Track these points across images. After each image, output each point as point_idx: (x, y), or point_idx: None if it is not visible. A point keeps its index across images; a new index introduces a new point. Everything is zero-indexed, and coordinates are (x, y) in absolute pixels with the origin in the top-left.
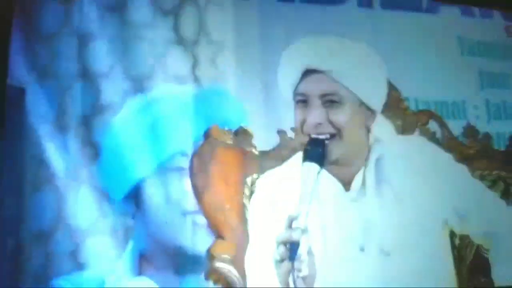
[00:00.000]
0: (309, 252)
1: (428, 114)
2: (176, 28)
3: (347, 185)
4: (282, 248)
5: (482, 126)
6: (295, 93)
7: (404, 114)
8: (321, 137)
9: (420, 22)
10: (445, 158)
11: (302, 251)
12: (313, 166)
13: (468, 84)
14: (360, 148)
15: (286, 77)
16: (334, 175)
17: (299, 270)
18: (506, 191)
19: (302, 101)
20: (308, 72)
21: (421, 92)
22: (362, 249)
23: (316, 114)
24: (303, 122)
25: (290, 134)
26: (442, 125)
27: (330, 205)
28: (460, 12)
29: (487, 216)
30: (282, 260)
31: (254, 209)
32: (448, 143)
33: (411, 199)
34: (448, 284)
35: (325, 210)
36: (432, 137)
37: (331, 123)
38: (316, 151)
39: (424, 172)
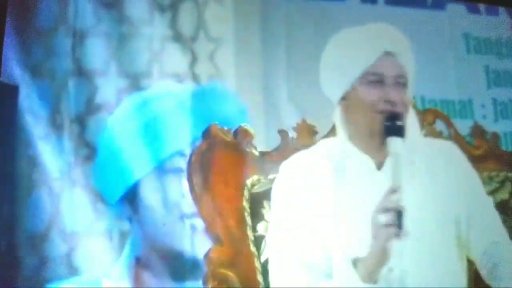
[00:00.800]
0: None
1: (434, 113)
2: (174, 25)
3: (379, 164)
4: (390, 214)
5: (489, 125)
6: (368, 73)
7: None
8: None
9: (425, 19)
10: (471, 172)
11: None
12: (398, 140)
13: (474, 82)
14: None
15: (361, 57)
16: (368, 154)
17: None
18: None
19: (377, 81)
20: (385, 54)
21: (428, 91)
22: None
23: (395, 93)
24: (377, 100)
25: (292, 133)
26: (449, 124)
27: (359, 180)
28: (466, 9)
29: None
30: (388, 225)
31: (283, 193)
32: (455, 143)
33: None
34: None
35: (353, 185)
36: (438, 136)
37: (403, 103)
38: (396, 125)
39: (448, 181)
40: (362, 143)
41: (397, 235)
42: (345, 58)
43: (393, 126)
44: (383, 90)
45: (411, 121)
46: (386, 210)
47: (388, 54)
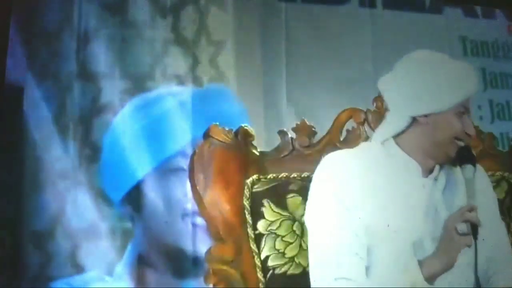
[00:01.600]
0: None
1: None
2: (176, 28)
3: (425, 172)
4: (468, 226)
5: (486, 126)
6: (462, 105)
7: None
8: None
9: (423, 23)
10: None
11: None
12: (472, 168)
13: None
14: None
15: (464, 88)
16: (417, 160)
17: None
18: (510, 191)
19: (463, 113)
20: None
21: None
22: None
23: (473, 128)
24: (460, 130)
25: (291, 134)
26: None
27: (402, 184)
28: (463, 12)
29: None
30: (465, 234)
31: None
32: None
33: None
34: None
35: (397, 188)
36: None
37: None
38: (472, 156)
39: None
40: (417, 156)
41: (469, 245)
42: (448, 81)
43: (469, 156)
44: (466, 122)
45: None
46: (464, 221)
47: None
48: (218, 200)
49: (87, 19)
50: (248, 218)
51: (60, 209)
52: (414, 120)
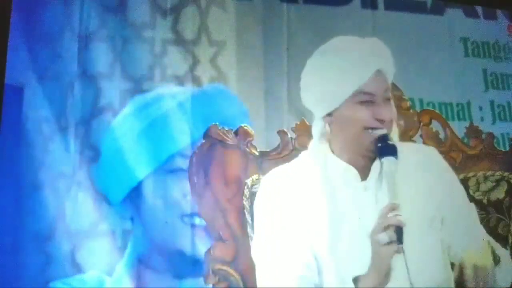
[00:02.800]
0: None
1: (430, 114)
2: (176, 29)
3: (362, 174)
4: (391, 231)
5: (487, 127)
6: (360, 92)
7: (407, 114)
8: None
9: (425, 24)
10: (450, 177)
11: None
12: (392, 159)
13: (472, 85)
14: None
15: (354, 76)
16: (353, 164)
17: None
18: (510, 191)
19: (368, 100)
20: (376, 72)
21: (426, 94)
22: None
23: (385, 111)
24: (368, 119)
25: (291, 134)
26: (445, 125)
27: (344, 190)
28: (464, 13)
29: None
30: (390, 242)
31: (267, 208)
32: (451, 143)
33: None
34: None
35: (338, 195)
36: (435, 137)
37: (390, 119)
38: (390, 145)
39: (425, 185)
40: (348, 156)
41: (398, 252)
42: (338, 75)
43: (387, 147)
44: (373, 108)
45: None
46: (385, 228)
47: (379, 72)
48: (218, 200)
49: (88, 20)
50: (248, 218)
51: (60, 209)
52: (325, 120)
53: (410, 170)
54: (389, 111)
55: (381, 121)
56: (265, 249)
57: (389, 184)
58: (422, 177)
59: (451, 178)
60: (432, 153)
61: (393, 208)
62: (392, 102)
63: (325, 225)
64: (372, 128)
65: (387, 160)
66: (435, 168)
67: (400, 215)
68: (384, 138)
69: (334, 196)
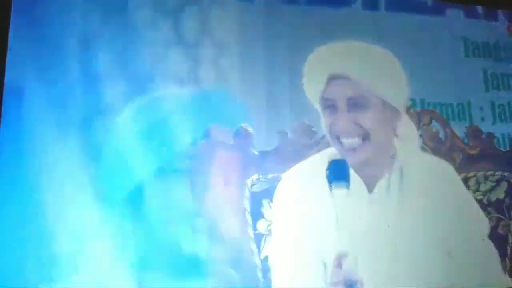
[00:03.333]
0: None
1: (430, 114)
2: (177, 30)
3: (370, 186)
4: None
5: (488, 128)
6: (323, 98)
7: (407, 114)
8: (349, 141)
9: (425, 24)
10: (462, 191)
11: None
12: (343, 191)
13: (473, 85)
14: (386, 149)
15: (312, 84)
16: (360, 175)
17: None
18: (510, 191)
19: (330, 106)
20: (332, 78)
21: (426, 94)
22: (374, 251)
23: (344, 118)
24: (331, 126)
25: (291, 134)
26: (445, 125)
27: (350, 202)
28: (464, 14)
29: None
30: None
31: (280, 206)
32: (451, 143)
33: (417, 219)
34: None
35: (345, 206)
36: (435, 137)
37: (359, 126)
38: (339, 173)
39: (436, 198)
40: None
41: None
42: (308, 83)
43: (335, 173)
44: (334, 115)
45: (408, 134)
46: (338, 282)
47: (335, 77)
48: (218, 200)
49: (89, 20)
50: (248, 218)
51: (61, 210)
52: None
53: (422, 185)
54: (348, 118)
55: (341, 129)
56: (279, 249)
57: (397, 198)
58: (436, 192)
59: (466, 198)
60: (448, 171)
61: (339, 259)
62: (371, 109)
63: (333, 232)
64: (338, 137)
65: (337, 189)
66: (450, 184)
67: (351, 267)
68: (335, 163)
69: (339, 203)
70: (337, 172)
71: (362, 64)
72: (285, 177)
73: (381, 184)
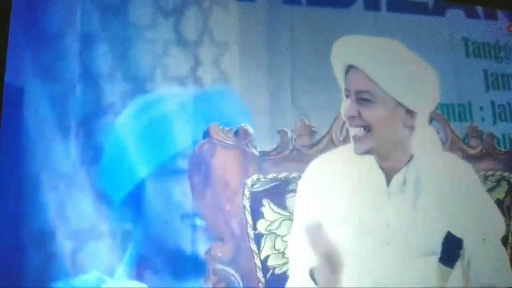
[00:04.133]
0: None
1: (431, 114)
2: (178, 29)
3: (387, 179)
4: None
5: (488, 128)
6: (345, 88)
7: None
8: (352, 129)
9: (426, 25)
10: (479, 190)
11: None
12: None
13: (473, 85)
14: (396, 145)
15: (337, 72)
16: (381, 166)
17: None
18: (510, 191)
19: (346, 93)
20: (350, 68)
21: None
22: (388, 243)
23: (349, 108)
24: (344, 111)
25: (291, 134)
26: (445, 125)
27: (369, 194)
28: (465, 14)
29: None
30: None
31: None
32: (451, 143)
33: (432, 218)
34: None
35: (364, 198)
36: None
37: (362, 118)
38: None
39: (453, 197)
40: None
41: None
42: (335, 72)
43: None
44: (347, 103)
45: (427, 134)
46: None
47: (351, 67)
48: (218, 200)
49: (89, 21)
50: (248, 218)
51: (61, 210)
52: None
53: (439, 183)
54: (353, 108)
55: (350, 118)
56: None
57: (414, 192)
58: (449, 193)
59: (484, 199)
60: (467, 171)
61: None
62: (379, 106)
63: (349, 224)
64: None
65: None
66: (469, 185)
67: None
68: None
69: (358, 193)
70: None
71: (379, 60)
72: (311, 166)
73: (398, 178)
